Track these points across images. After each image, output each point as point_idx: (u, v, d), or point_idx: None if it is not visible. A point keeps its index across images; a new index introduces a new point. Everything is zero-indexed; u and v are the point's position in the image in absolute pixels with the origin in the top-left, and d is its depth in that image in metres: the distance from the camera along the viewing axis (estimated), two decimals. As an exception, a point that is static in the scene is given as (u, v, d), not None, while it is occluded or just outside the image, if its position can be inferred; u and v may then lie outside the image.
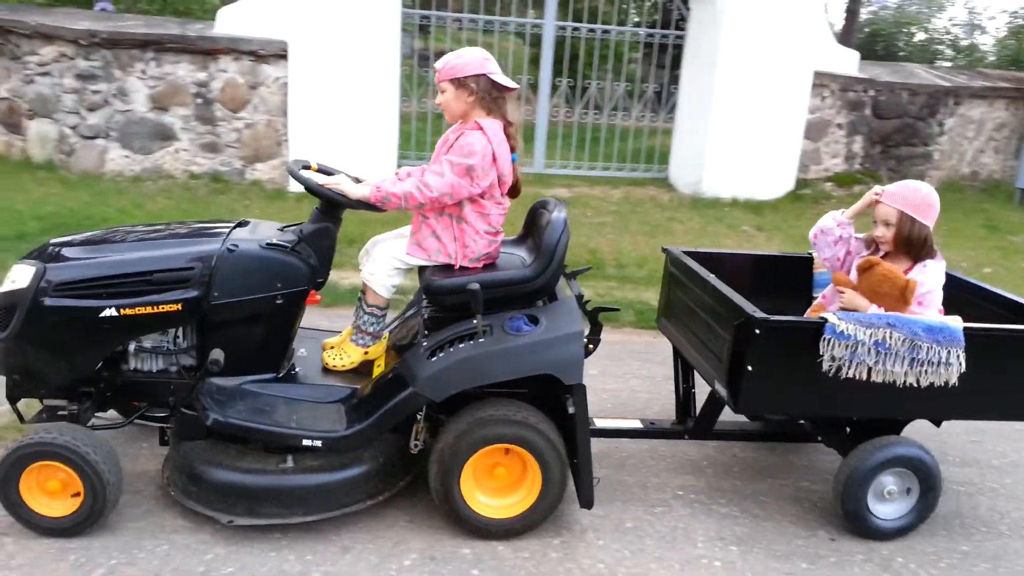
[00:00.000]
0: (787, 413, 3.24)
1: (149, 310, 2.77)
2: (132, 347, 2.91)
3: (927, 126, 9.22)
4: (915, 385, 2.81)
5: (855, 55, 8.95)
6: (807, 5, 8.15)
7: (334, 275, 3.80)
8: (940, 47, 18.69)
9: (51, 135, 7.22)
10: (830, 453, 3.46)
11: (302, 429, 2.79)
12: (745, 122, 8.17)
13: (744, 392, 2.85)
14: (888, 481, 2.98)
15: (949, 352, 2.77)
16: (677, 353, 3.53)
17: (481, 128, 2.87)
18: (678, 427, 3.45)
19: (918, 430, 3.31)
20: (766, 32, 7.99)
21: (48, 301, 2.72)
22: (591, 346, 3.07)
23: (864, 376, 2.80)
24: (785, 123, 8.34)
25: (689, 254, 3.54)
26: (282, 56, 7.16)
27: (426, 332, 2.94)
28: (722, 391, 2.95)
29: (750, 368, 2.81)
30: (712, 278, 3.17)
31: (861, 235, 3.22)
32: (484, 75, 2.88)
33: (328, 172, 3.14)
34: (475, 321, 2.76)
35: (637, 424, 3.40)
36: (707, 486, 3.35)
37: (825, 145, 8.85)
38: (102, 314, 2.73)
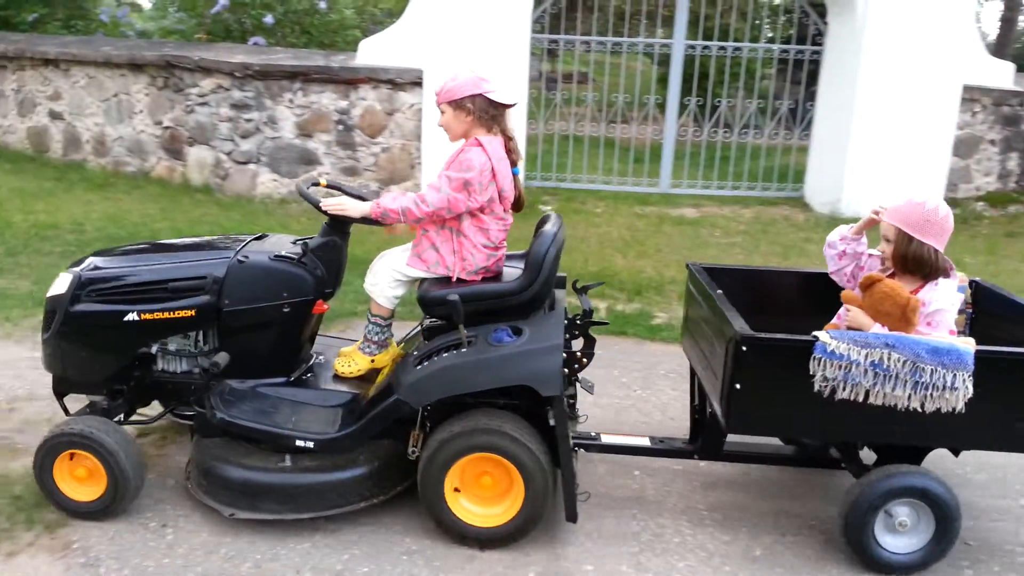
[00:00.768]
0: (780, 434, 3.04)
1: (166, 315, 3.01)
2: (157, 349, 3.14)
3: (1096, 140, 8.47)
4: (919, 410, 2.61)
5: (1010, 67, 8.36)
6: (955, 15, 7.69)
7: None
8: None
9: (208, 160, 7.83)
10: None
11: (297, 430, 2.93)
12: (888, 139, 7.78)
13: (732, 411, 2.76)
14: (901, 512, 2.78)
15: (955, 376, 2.56)
16: (693, 371, 3.42)
17: (481, 144, 2.94)
18: (688, 446, 3.29)
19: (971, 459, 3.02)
20: (910, 45, 7.60)
21: (80, 306, 3.02)
22: (584, 360, 3.10)
23: (862, 399, 2.63)
24: (931, 139, 7.88)
25: (711, 270, 3.41)
26: (417, 83, 7.48)
27: (425, 342, 3.01)
28: (718, 409, 2.85)
29: (738, 386, 2.71)
30: (717, 293, 3.06)
31: (875, 251, 3.03)
32: (480, 95, 2.95)
33: (338, 187, 3.34)
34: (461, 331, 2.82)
35: (645, 442, 3.30)
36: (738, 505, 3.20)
37: (976, 163, 8.29)
38: (126, 318, 3.00)
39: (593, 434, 3.30)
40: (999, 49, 12.01)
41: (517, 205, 3.14)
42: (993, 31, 15.35)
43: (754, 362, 2.69)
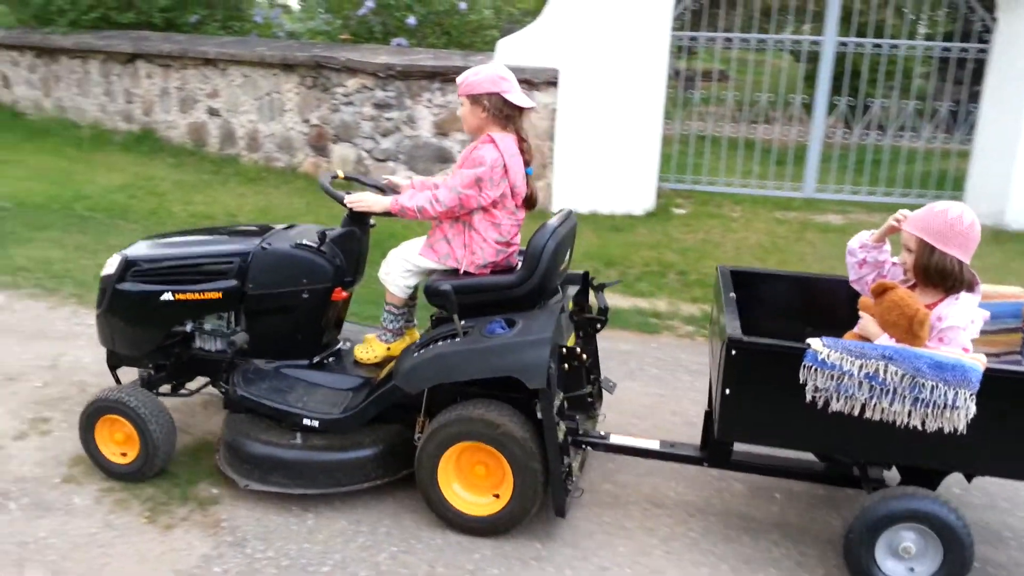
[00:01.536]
0: (771, 444, 2.86)
1: (197, 296, 3.25)
2: (193, 328, 3.39)
3: None
4: (920, 428, 2.46)
5: None
6: None
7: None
8: None
9: (350, 157, 8.12)
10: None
11: (305, 409, 3.09)
12: (1063, 144, 7.09)
13: (722, 416, 2.70)
14: (907, 537, 2.63)
15: (957, 394, 2.40)
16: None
17: (493, 141, 3.02)
18: (698, 453, 3.11)
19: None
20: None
21: (125, 285, 3.30)
22: (584, 356, 3.19)
23: (857, 412, 2.51)
24: (1117, 145, 7.12)
25: (739, 273, 3.31)
26: (552, 83, 7.45)
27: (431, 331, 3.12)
28: (715, 414, 2.72)
29: (727, 391, 2.65)
30: (726, 296, 3.00)
31: (897, 259, 2.81)
32: (497, 93, 3.02)
33: (356, 179, 3.56)
34: (460, 322, 2.92)
35: (655, 445, 3.19)
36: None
37: None
38: (162, 297, 3.26)
39: (603, 433, 3.27)
40: None
41: (530, 204, 3.20)
42: None
43: (744, 367, 2.62)
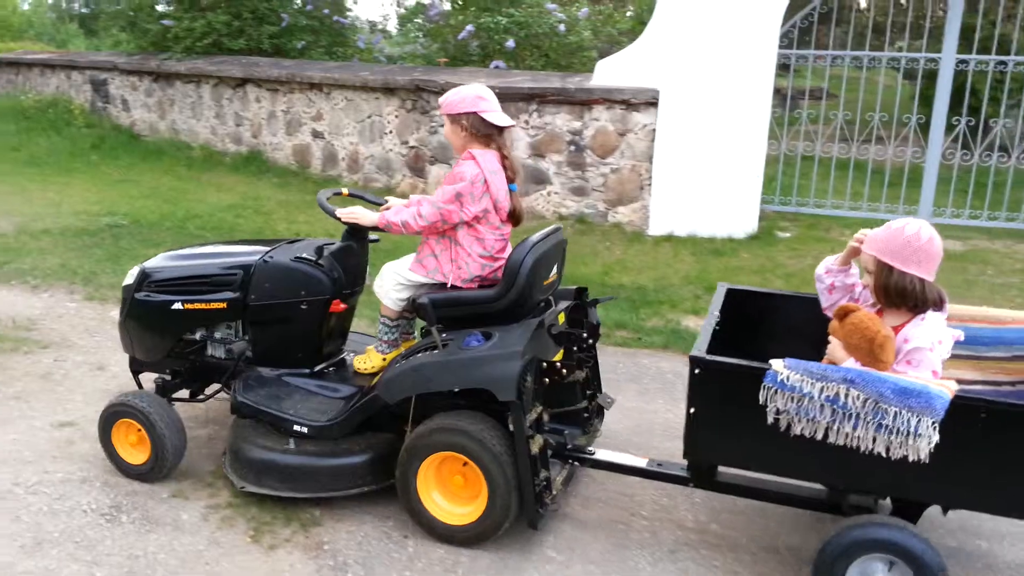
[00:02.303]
0: (738, 466, 2.79)
1: (203, 306, 3.40)
2: (203, 336, 3.51)
3: None
4: (884, 456, 2.37)
5: None
6: None
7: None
8: None
9: (447, 178, 8.19)
10: None
11: (297, 416, 3.17)
12: None
13: (687, 436, 2.67)
14: (876, 568, 2.49)
15: (920, 421, 2.29)
16: None
17: (474, 158, 3.08)
18: (684, 473, 2.98)
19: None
20: None
21: (141, 294, 3.47)
22: (564, 371, 3.24)
23: (820, 436, 2.44)
24: None
25: (736, 292, 3.29)
26: (652, 104, 7.33)
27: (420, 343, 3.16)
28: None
29: (692, 411, 2.63)
30: (712, 315, 2.99)
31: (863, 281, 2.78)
32: (475, 112, 3.09)
33: (360, 196, 3.62)
34: (441, 335, 2.96)
35: (642, 462, 3.11)
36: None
37: None
38: (173, 306, 3.41)
39: (589, 449, 3.22)
40: None
41: (515, 219, 3.24)
42: None
43: (707, 386, 2.60)
